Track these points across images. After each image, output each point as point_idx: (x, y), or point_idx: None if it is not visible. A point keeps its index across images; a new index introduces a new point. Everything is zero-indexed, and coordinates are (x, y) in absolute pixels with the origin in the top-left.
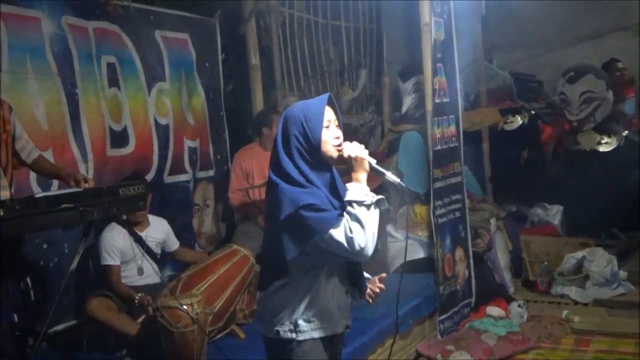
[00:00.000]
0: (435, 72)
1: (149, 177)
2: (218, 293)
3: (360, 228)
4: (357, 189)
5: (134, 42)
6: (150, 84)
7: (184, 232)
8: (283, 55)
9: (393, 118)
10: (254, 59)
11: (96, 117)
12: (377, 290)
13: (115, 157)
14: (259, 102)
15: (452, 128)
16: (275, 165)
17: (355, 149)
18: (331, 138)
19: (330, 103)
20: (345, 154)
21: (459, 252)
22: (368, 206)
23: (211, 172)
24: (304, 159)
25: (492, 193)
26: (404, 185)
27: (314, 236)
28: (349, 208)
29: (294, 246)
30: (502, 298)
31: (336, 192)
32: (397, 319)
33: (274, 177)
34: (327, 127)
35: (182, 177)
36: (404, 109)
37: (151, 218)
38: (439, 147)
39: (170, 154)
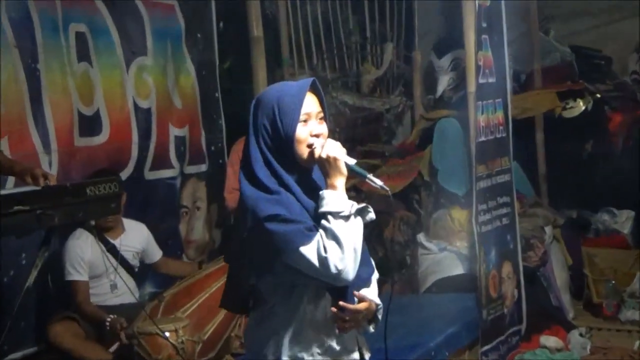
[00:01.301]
0: (479, 46)
1: (127, 172)
2: (209, 316)
3: (336, 246)
4: (332, 198)
5: (109, 7)
6: (129, 59)
7: (168, 239)
8: (292, 25)
9: (426, 102)
10: (256, 30)
11: (62, 99)
12: (345, 315)
13: (84, 148)
14: (261, 82)
15: (499, 115)
16: (246, 164)
17: (328, 148)
18: (308, 136)
19: (314, 90)
20: (317, 154)
21: (507, 268)
22: (346, 218)
23: (203, 167)
24: (275, 156)
25: (548, 195)
26: (387, 189)
27: (280, 255)
28: (323, 222)
29: (258, 267)
30: (559, 325)
31: (316, 195)
32: (385, 352)
33: (243, 181)
34: (306, 121)
35: (167, 173)
36: (440, 91)
37: (127, 223)
38: (482, 138)
39: (152, 145)
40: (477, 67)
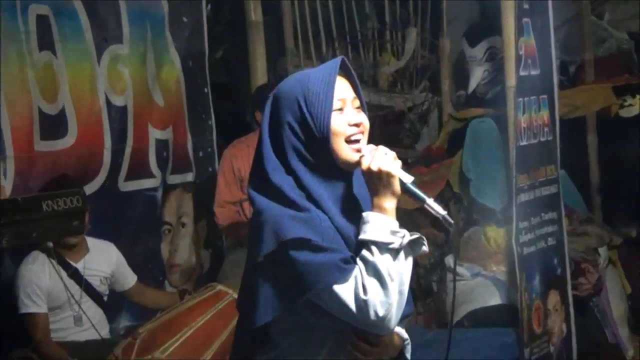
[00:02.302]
0: (520, 31)
1: (97, 182)
2: (195, 355)
3: (379, 287)
4: (379, 224)
5: None
6: (101, 47)
7: (148, 262)
8: (297, 8)
9: (456, 99)
10: (255, 14)
11: (20, 94)
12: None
13: (46, 154)
14: (260, 75)
15: (544, 114)
16: (258, 173)
17: (379, 159)
18: (347, 127)
19: (344, 71)
20: (365, 165)
21: (554, 298)
22: (396, 252)
23: (189, 176)
24: (305, 162)
25: (602, 210)
26: (451, 221)
27: (305, 292)
28: (364, 253)
29: (274, 303)
30: None
31: (356, 215)
32: None
33: (253, 193)
34: (341, 109)
35: (147, 183)
36: (472, 85)
37: (91, 242)
38: (524, 142)
39: (128, 150)
40: (518, 57)
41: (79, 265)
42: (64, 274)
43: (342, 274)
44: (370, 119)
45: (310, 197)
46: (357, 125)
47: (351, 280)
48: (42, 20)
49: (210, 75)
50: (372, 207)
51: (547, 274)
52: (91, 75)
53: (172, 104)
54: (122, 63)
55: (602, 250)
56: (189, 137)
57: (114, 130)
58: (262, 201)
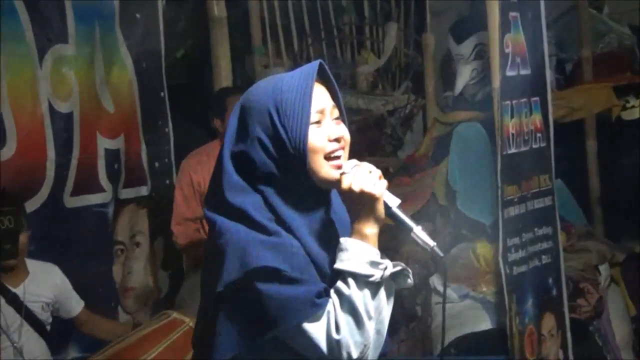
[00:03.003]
0: (506, 27)
1: (39, 198)
2: None
3: (354, 325)
4: (359, 252)
5: None
6: (44, 48)
7: (98, 287)
8: (265, 2)
9: (442, 101)
10: (217, 9)
11: None
12: None
13: None
14: (224, 77)
15: (536, 118)
16: (217, 191)
17: (363, 178)
18: (326, 143)
19: (323, 77)
20: (345, 185)
21: (549, 322)
22: (376, 286)
23: (144, 190)
24: (275, 181)
25: (603, 223)
26: (441, 254)
27: (271, 329)
28: (339, 285)
29: (235, 340)
30: None
31: (332, 242)
32: None
33: (210, 214)
34: (319, 122)
35: (96, 198)
36: (460, 86)
37: (33, 265)
38: (513, 150)
39: (74, 161)
40: (504, 55)
41: (19, 291)
42: (1, 300)
43: (314, 310)
44: (348, 123)
45: (280, 220)
46: (337, 140)
47: (323, 317)
48: None
49: (168, 77)
50: (351, 233)
51: (541, 295)
52: (32, 79)
53: (124, 110)
54: (67, 65)
55: (603, 268)
56: (143, 146)
57: (58, 140)
58: (224, 222)
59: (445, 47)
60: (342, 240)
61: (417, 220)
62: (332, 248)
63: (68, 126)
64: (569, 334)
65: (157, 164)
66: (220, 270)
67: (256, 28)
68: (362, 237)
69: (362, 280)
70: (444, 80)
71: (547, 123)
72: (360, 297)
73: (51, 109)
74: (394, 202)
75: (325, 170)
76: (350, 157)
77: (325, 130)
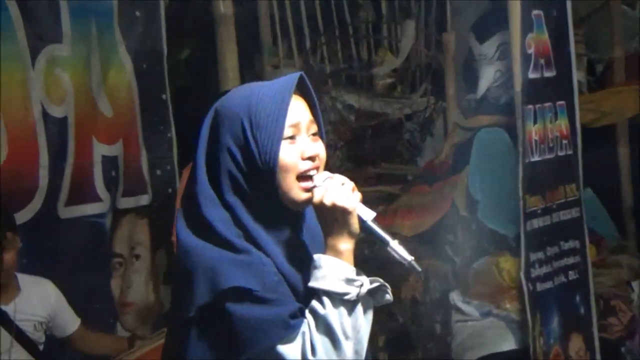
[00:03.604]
0: (528, 26)
1: (32, 208)
2: None
3: (330, 346)
4: (333, 269)
5: None
6: (36, 48)
7: (95, 302)
8: None
9: (464, 104)
10: (224, 6)
11: None
12: None
13: None
14: (231, 79)
15: (562, 123)
16: (189, 203)
17: (335, 191)
18: (299, 161)
19: (302, 90)
20: (317, 199)
21: (576, 342)
22: (352, 304)
23: (144, 199)
24: (243, 195)
25: (637, 236)
26: (419, 269)
27: (244, 352)
28: (314, 305)
29: None
30: None
31: (306, 260)
32: None
33: (181, 228)
34: (293, 137)
35: (92, 208)
36: (482, 88)
37: (24, 280)
38: (536, 158)
39: (69, 169)
40: (526, 57)
41: (9, 309)
42: None
43: (288, 332)
44: (362, 128)
45: (249, 237)
46: (311, 158)
47: (298, 339)
48: None
49: (170, 79)
50: (325, 249)
51: (568, 314)
52: (24, 81)
53: (122, 114)
54: (61, 66)
55: (636, 284)
56: (144, 152)
57: (51, 146)
58: (191, 240)
59: (467, 47)
60: (316, 257)
61: (435, 233)
62: (305, 265)
63: (62, 131)
64: (598, 356)
65: (158, 172)
66: (190, 293)
67: (265, 26)
68: (337, 253)
69: (337, 299)
70: (465, 82)
71: (574, 129)
72: (336, 316)
73: (44, 113)
74: (368, 215)
75: (295, 191)
76: (365, 165)
77: (299, 147)
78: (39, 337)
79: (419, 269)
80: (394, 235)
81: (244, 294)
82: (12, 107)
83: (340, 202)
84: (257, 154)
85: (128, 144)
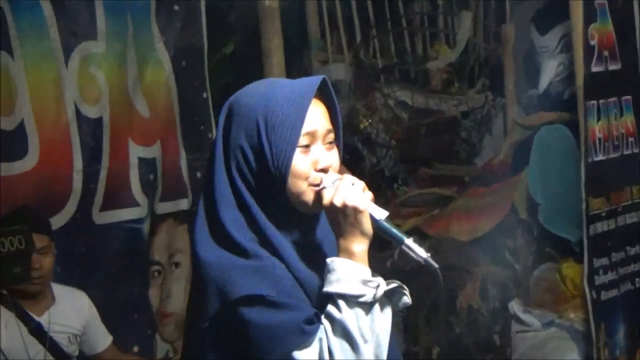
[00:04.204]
0: (591, 16)
1: (66, 214)
2: None
3: (349, 351)
4: (348, 271)
5: None
6: (70, 45)
7: (133, 313)
8: None
9: (525, 100)
10: None
11: None
12: None
13: (2, 179)
14: (277, 75)
15: (628, 120)
16: (205, 203)
17: (345, 192)
18: (311, 170)
19: (323, 94)
20: (327, 200)
21: None
22: (369, 306)
23: (184, 204)
24: (256, 198)
25: None
26: (435, 265)
27: None
28: (330, 309)
29: None
30: None
31: (319, 264)
32: None
33: (197, 229)
34: (307, 147)
35: (128, 214)
36: (544, 83)
37: (59, 290)
38: (600, 157)
39: (104, 172)
40: (589, 49)
41: (43, 319)
42: (24, 329)
43: (304, 338)
44: (416, 127)
45: (265, 241)
46: (324, 170)
47: (315, 344)
48: None
49: (212, 76)
50: (338, 252)
51: (635, 324)
52: (57, 80)
53: (160, 114)
54: (96, 64)
55: None
56: (183, 154)
57: (85, 148)
58: (205, 246)
59: (527, 39)
60: (329, 260)
61: (494, 238)
62: (320, 270)
63: (97, 133)
64: None
65: (198, 174)
66: (203, 304)
67: (313, 19)
68: (350, 255)
69: (353, 301)
70: (526, 77)
71: None
72: (352, 319)
73: (78, 113)
74: (381, 214)
75: (306, 195)
76: (419, 165)
77: (312, 157)
78: (73, 350)
79: (436, 266)
80: (446, 241)
81: (257, 301)
82: (45, 107)
83: (351, 202)
84: (270, 158)
85: (166, 146)
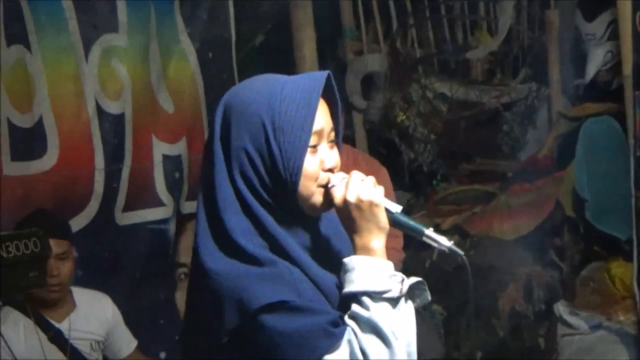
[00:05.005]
0: None
1: (87, 214)
2: None
3: (383, 347)
4: (369, 268)
5: None
6: (90, 38)
7: (158, 317)
8: None
9: (570, 91)
10: None
11: None
12: None
13: (19, 178)
14: (308, 67)
15: None
16: (208, 211)
17: (357, 187)
18: (320, 171)
19: (326, 90)
20: (339, 198)
21: None
22: (395, 301)
23: None
24: (264, 203)
25: None
26: (460, 252)
27: None
28: (356, 309)
29: None
30: None
31: (330, 264)
32: None
33: (202, 241)
34: (315, 147)
35: (153, 214)
36: (591, 72)
37: (80, 295)
38: None
39: (126, 170)
40: (637, 36)
41: (63, 326)
42: (43, 337)
43: (332, 341)
44: (456, 120)
45: (276, 247)
46: (331, 170)
47: (344, 346)
48: (10, 5)
49: (241, 68)
50: (354, 250)
51: None
52: (76, 75)
53: (185, 109)
54: (118, 57)
55: None
56: None
57: (107, 146)
58: (213, 257)
59: (573, 26)
60: (346, 260)
61: (538, 236)
62: (333, 270)
63: (119, 129)
64: None
65: None
66: (219, 319)
67: (347, 7)
68: (368, 251)
69: (379, 298)
70: (572, 66)
71: None
72: (381, 315)
73: (99, 109)
74: (395, 207)
75: (315, 197)
76: (459, 161)
77: (319, 157)
78: (95, 357)
79: (461, 252)
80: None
81: (280, 308)
82: (64, 103)
83: (366, 196)
84: (280, 161)
85: (192, 142)
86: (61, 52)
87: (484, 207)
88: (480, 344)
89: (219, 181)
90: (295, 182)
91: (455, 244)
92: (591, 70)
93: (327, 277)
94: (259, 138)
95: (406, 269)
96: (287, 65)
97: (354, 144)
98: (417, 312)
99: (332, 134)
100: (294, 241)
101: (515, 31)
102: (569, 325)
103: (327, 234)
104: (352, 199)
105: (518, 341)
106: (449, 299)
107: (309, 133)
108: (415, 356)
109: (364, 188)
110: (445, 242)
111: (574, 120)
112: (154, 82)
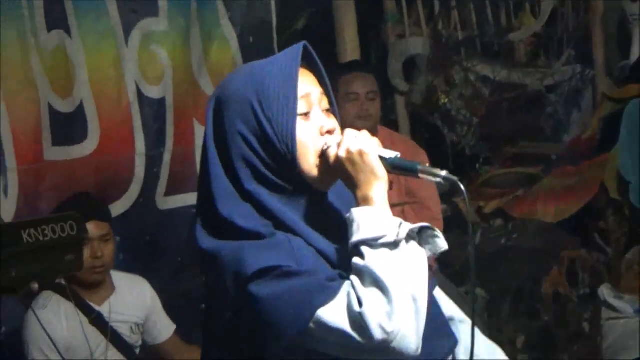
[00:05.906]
0: None
1: (128, 199)
2: None
3: (379, 294)
4: (368, 218)
5: None
6: (130, 23)
7: (197, 303)
8: None
9: (615, 72)
10: None
11: (23, 88)
12: None
13: (61, 163)
14: (350, 51)
15: None
16: (205, 204)
17: (349, 141)
18: (317, 137)
19: (308, 61)
20: (332, 155)
21: None
22: (393, 245)
23: None
24: (266, 182)
25: None
26: (454, 179)
27: (283, 333)
28: (355, 260)
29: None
30: None
31: (338, 239)
32: None
33: (200, 236)
34: (307, 114)
35: (194, 198)
36: (636, 53)
37: (119, 278)
38: None
39: (168, 155)
40: None
41: (103, 309)
42: (84, 320)
43: (328, 294)
44: (499, 102)
45: (279, 224)
46: (330, 132)
47: (341, 298)
48: None
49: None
50: (356, 204)
51: None
52: (117, 59)
53: None
54: (158, 42)
55: None
56: None
57: (148, 131)
58: (213, 243)
59: (618, 6)
60: (347, 214)
61: (582, 219)
62: (342, 242)
63: (160, 114)
64: None
65: None
66: (222, 295)
67: None
68: (368, 201)
69: (375, 245)
70: (617, 47)
71: None
72: (377, 262)
73: (139, 94)
74: (388, 154)
75: (319, 168)
76: (503, 143)
77: (314, 123)
78: (135, 340)
79: (455, 178)
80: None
81: (272, 272)
82: (104, 88)
83: (356, 146)
84: (273, 134)
85: None
86: (101, 36)
87: (527, 190)
88: (523, 328)
89: (213, 171)
90: (292, 152)
91: (499, 226)
92: (636, 51)
93: (333, 248)
94: (250, 119)
95: (447, 253)
96: (329, 49)
97: (397, 128)
98: (460, 295)
99: (326, 102)
100: (299, 217)
101: (559, 12)
102: (614, 309)
103: (339, 208)
104: (343, 153)
105: (562, 325)
106: (491, 283)
107: (295, 98)
108: (424, 301)
109: (355, 140)
110: (439, 172)
111: (618, 102)
112: (195, 67)
